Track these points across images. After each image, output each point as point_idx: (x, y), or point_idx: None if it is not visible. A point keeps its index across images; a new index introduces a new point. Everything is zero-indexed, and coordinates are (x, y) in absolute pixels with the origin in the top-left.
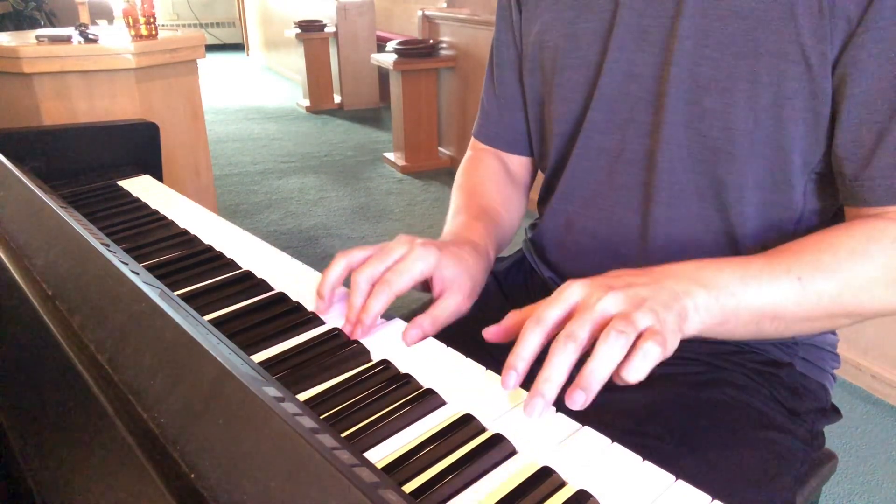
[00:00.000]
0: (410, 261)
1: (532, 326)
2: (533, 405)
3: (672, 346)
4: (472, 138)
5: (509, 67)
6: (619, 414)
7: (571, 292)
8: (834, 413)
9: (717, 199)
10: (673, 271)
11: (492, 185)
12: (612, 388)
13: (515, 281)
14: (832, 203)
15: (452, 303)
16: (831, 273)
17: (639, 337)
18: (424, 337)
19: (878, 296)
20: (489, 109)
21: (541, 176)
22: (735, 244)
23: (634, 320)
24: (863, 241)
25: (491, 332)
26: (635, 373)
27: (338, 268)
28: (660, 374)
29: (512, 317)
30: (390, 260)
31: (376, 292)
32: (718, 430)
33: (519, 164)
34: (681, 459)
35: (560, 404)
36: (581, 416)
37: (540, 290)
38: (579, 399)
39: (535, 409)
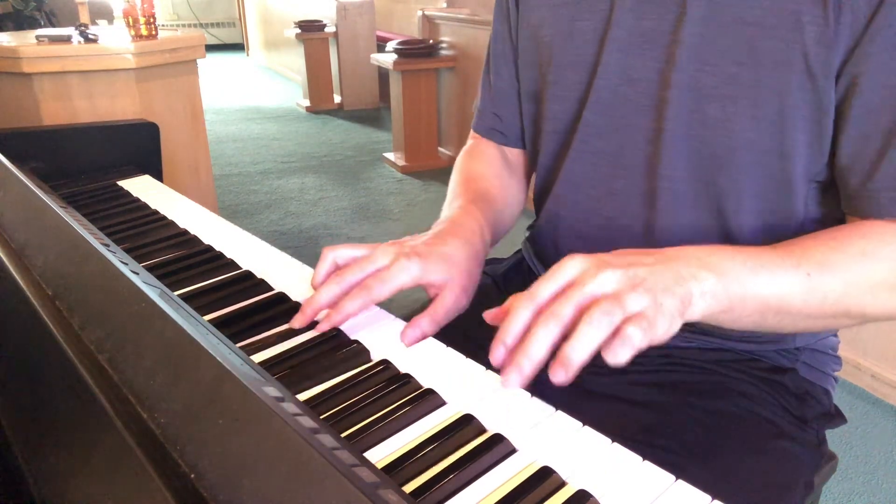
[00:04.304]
0: (393, 272)
1: (524, 302)
2: (509, 379)
3: (666, 330)
4: (472, 129)
5: (504, 61)
6: (628, 425)
7: (568, 268)
8: (839, 417)
9: (715, 207)
10: (683, 254)
11: (490, 171)
12: (620, 398)
13: (514, 282)
14: (834, 212)
15: (449, 301)
16: (839, 272)
17: (627, 320)
18: (424, 337)
19: (883, 299)
20: (484, 103)
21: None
22: None
23: (624, 301)
24: (874, 242)
25: (491, 315)
26: (613, 356)
27: (325, 265)
28: (665, 382)
29: (513, 300)
30: (372, 268)
31: (353, 294)
32: (730, 442)
33: (516, 155)
34: (694, 473)
35: (559, 400)
36: (590, 425)
37: None
38: (559, 375)
39: (511, 382)
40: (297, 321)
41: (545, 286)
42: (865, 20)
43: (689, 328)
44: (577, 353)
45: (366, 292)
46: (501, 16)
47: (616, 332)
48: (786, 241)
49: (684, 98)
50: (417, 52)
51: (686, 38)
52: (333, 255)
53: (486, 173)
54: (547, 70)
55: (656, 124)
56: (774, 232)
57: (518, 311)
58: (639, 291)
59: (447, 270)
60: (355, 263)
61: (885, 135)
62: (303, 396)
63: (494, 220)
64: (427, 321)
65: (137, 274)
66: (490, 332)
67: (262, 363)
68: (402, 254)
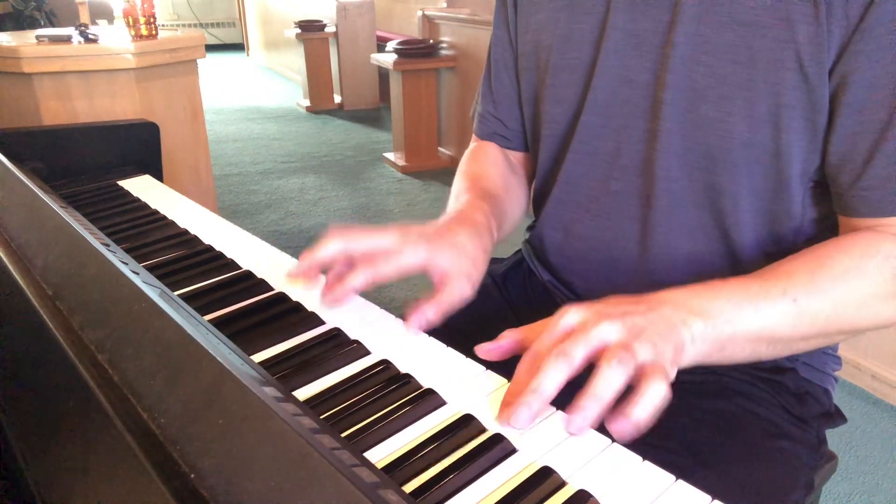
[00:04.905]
0: (400, 254)
1: (529, 360)
2: (518, 414)
3: (670, 379)
4: (474, 133)
5: (504, 65)
6: None
7: (568, 319)
8: (839, 417)
9: (713, 206)
10: (669, 299)
11: (494, 172)
12: (620, 398)
13: (515, 283)
14: (833, 211)
15: (455, 290)
16: (826, 293)
17: (642, 370)
18: (428, 326)
19: (875, 311)
20: (485, 106)
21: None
22: (733, 252)
23: (635, 351)
24: (857, 258)
25: (484, 351)
26: (643, 411)
27: (333, 247)
28: None
29: (508, 336)
30: (379, 244)
31: (359, 269)
32: (730, 442)
33: (519, 158)
34: (694, 473)
35: (559, 401)
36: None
37: (540, 292)
38: (577, 421)
39: (521, 419)
40: (292, 273)
41: (548, 340)
42: (856, 18)
43: None
44: (600, 398)
45: (371, 268)
46: (501, 21)
47: (639, 388)
48: (770, 266)
49: (679, 98)
50: (417, 52)
51: (680, 39)
52: (345, 244)
53: (491, 174)
54: (545, 73)
55: (652, 125)
56: (772, 231)
57: (523, 370)
58: (642, 341)
59: (454, 257)
60: (364, 240)
61: (875, 133)
62: (303, 396)
63: (500, 218)
64: (431, 309)
65: (137, 274)
66: (490, 332)
67: (262, 363)
68: (410, 237)
